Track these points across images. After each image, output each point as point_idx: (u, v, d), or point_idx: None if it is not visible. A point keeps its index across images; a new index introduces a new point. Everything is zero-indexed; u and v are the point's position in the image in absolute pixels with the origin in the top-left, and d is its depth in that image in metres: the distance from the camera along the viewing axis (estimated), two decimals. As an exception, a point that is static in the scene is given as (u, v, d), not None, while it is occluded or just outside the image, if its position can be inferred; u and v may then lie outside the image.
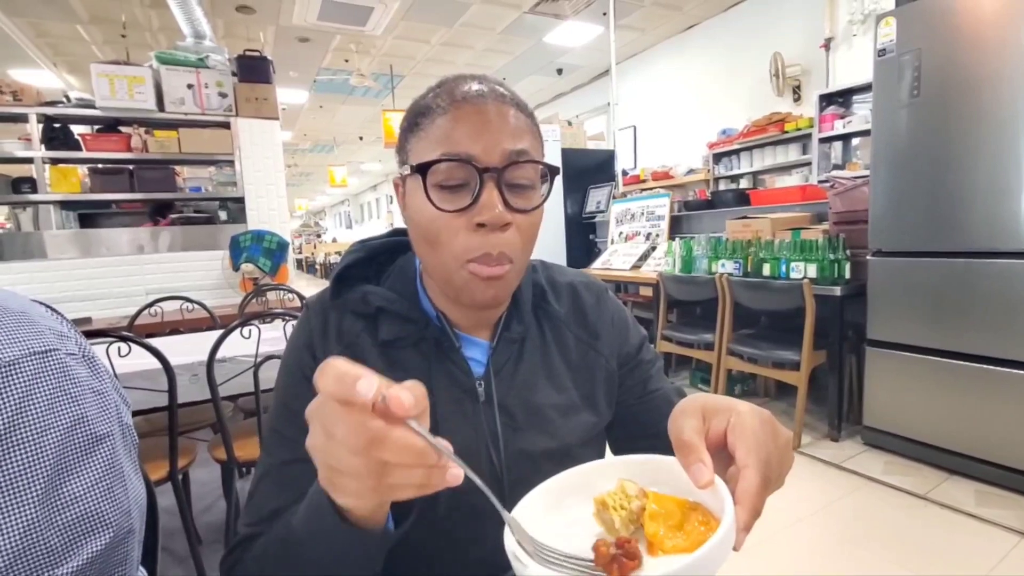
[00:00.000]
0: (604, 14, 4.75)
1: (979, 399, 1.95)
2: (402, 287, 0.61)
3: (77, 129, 3.30)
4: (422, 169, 0.51)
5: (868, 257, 2.25)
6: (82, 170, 3.36)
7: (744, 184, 5.31)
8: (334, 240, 18.88)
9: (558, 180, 0.57)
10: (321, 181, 15.85)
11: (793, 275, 2.40)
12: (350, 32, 5.56)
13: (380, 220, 17.90)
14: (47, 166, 3.13)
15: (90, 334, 1.17)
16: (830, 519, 1.83)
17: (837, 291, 2.26)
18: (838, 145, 4.48)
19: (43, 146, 3.08)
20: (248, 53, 3.50)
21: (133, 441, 0.51)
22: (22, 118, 3.06)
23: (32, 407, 0.39)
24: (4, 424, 0.38)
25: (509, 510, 0.39)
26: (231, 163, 3.46)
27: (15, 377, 0.39)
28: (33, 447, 0.39)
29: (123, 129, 3.31)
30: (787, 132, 4.79)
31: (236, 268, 3.38)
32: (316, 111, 8.94)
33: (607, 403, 0.65)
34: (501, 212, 0.50)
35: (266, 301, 2.83)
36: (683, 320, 3.32)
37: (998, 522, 1.73)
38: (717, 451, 0.39)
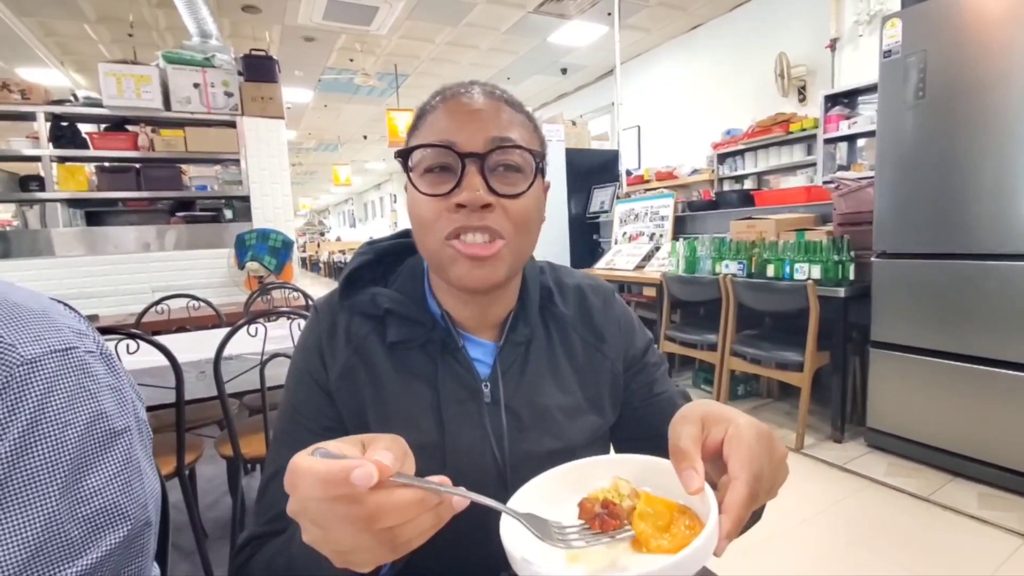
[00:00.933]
0: (609, 14, 4.75)
1: (983, 401, 1.94)
2: (410, 289, 0.61)
3: (84, 128, 3.32)
4: (405, 154, 0.53)
5: (872, 259, 2.24)
6: (89, 168, 3.39)
7: (748, 185, 5.30)
8: (338, 239, 18.91)
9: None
10: (325, 180, 15.89)
11: (797, 276, 2.39)
12: (355, 32, 5.58)
13: (384, 219, 17.93)
14: (54, 164, 3.16)
15: (99, 331, 1.18)
16: (833, 520, 1.83)
17: (841, 292, 2.26)
18: (843, 146, 4.46)
19: (51, 144, 3.10)
20: (254, 53, 3.51)
21: (148, 436, 0.52)
22: (30, 116, 3.08)
23: (53, 403, 0.40)
24: (27, 420, 0.39)
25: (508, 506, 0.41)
26: (236, 162, 3.48)
27: (37, 374, 0.40)
28: (54, 442, 0.39)
29: (130, 128, 3.33)
30: (792, 133, 4.78)
31: (241, 266, 3.39)
32: (321, 110, 8.97)
33: (612, 405, 0.65)
34: (481, 194, 0.51)
35: (271, 299, 2.84)
36: (686, 321, 3.32)
37: (1001, 524, 1.73)
38: (714, 459, 0.39)
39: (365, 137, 11.06)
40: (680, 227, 3.75)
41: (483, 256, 0.52)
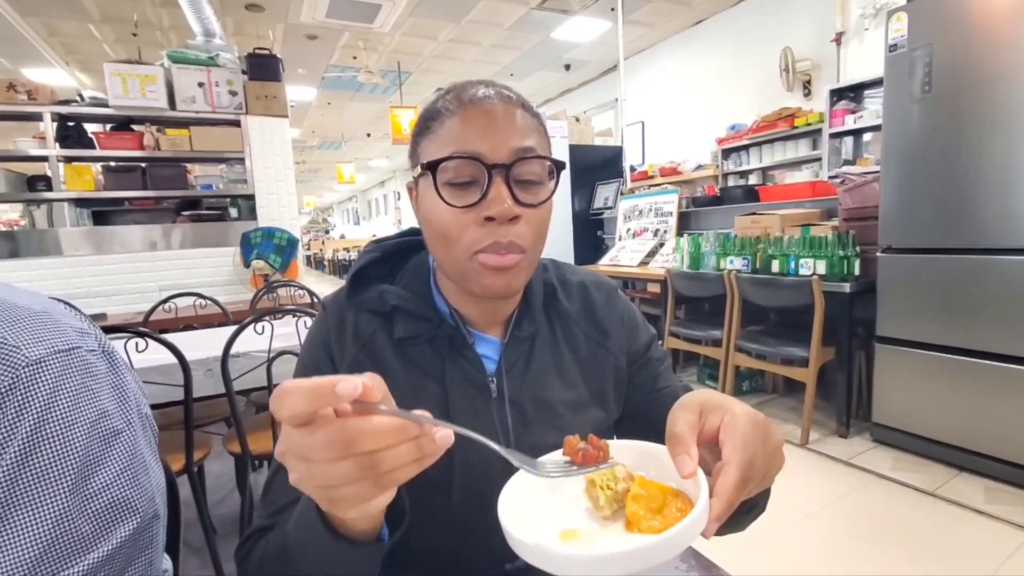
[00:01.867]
0: (612, 9, 4.73)
1: (989, 396, 1.94)
2: (416, 286, 0.62)
3: (90, 128, 3.34)
4: (433, 167, 0.53)
5: (878, 254, 2.23)
6: (96, 168, 3.41)
7: (753, 180, 5.28)
8: (342, 237, 18.95)
9: (566, 176, 0.59)
10: (329, 178, 15.92)
11: (802, 272, 2.39)
12: (358, 29, 5.58)
13: (388, 216, 17.96)
14: (61, 164, 3.18)
15: (107, 330, 1.20)
16: (838, 515, 1.84)
17: (846, 288, 2.25)
18: (849, 140, 4.44)
19: (57, 144, 3.13)
20: (258, 51, 3.52)
21: (153, 430, 0.53)
22: (37, 117, 3.10)
23: (59, 403, 0.41)
24: (34, 420, 0.39)
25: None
26: (241, 160, 3.49)
27: (42, 375, 0.41)
28: (61, 441, 0.40)
29: (136, 127, 3.35)
30: (797, 127, 4.76)
31: (247, 264, 3.41)
32: (324, 108, 8.98)
33: (616, 400, 0.66)
34: (510, 206, 0.51)
35: (277, 297, 2.86)
36: (691, 317, 3.32)
37: (1007, 519, 1.72)
38: (710, 446, 0.41)
39: (368, 135, 11.08)
40: (684, 223, 3.74)
41: (507, 267, 0.53)
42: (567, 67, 7.42)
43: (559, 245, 4.39)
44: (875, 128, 4.06)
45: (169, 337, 1.43)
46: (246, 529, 0.56)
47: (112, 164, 3.39)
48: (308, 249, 16.59)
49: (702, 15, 5.94)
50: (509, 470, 0.45)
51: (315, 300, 2.53)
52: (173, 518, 0.63)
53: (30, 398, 0.39)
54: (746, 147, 5.34)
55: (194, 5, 3.69)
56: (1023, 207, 1.83)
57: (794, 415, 2.66)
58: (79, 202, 3.46)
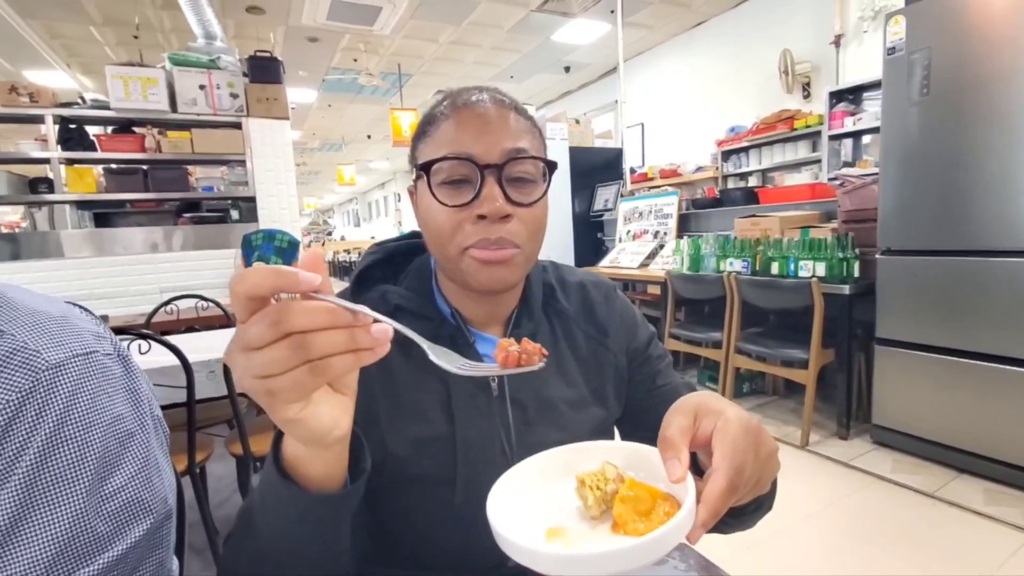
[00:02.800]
0: (612, 12, 4.74)
1: (989, 397, 1.94)
2: (419, 286, 0.63)
3: (92, 130, 3.35)
4: (427, 167, 0.55)
5: (877, 256, 2.24)
6: (97, 170, 3.42)
7: (753, 182, 5.29)
8: (343, 238, 18.96)
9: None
10: (329, 179, 15.92)
11: (802, 274, 2.40)
12: (359, 32, 5.59)
13: (388, 218, 17.96)
14: (63, 166, 3.19)
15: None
16: (838, 517, 1.84)
17: (846, 289, 2.26)
18: (848, 142, 4.45)
19: (59, 147, 3.13)
20: (259, 54, 3.53)
21: (165, 432, 0.54)
22: (39, 119, 3.11)
23: (78, 406, 0.42)
24: (53, 423, 0.40)
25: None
26: (242, 162, 3.50)
27: (61, 379, 0.41)
28: (80, 443, 0.41)
29: (137, 130, 3.36)
30: (796, 129, 4.77)
31: (248, 266, 3.41)
32: (325, 110, 8.99)
33: (616, 398, 0.67)
34: (501, 204, 0.53)
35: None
36: (691, 319, 3.32)
37: (1007, 520, 1.73)
38: (705, 449, 0.41)
39: (369, 137, 11.09)
40: (684, 225, 3.75)
41: (498, 260, 0.55)
42: (567, 69, 7.44)
43: (559, 247, 4.40)
44: (874, 130, 4.07)
45: (171, 339, 1.44)
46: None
47: (113, 166, 3.40)
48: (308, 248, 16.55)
49: (702, 17, 5.95)
50: (511, 467, 0.46)
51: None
52: (179, 520, 0.63)
53: (50, 401, 0.40)
54: (746, 149, 5.35)
55: (195, 7, 3.71)
56: (1021, 208, 1.83)
57: (794, 417, 2.67)
58: (80, 204, 3.47)
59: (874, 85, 4.11)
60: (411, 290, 0.62)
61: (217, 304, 2.53)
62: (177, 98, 3.26)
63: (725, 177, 5.56)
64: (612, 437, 0.70)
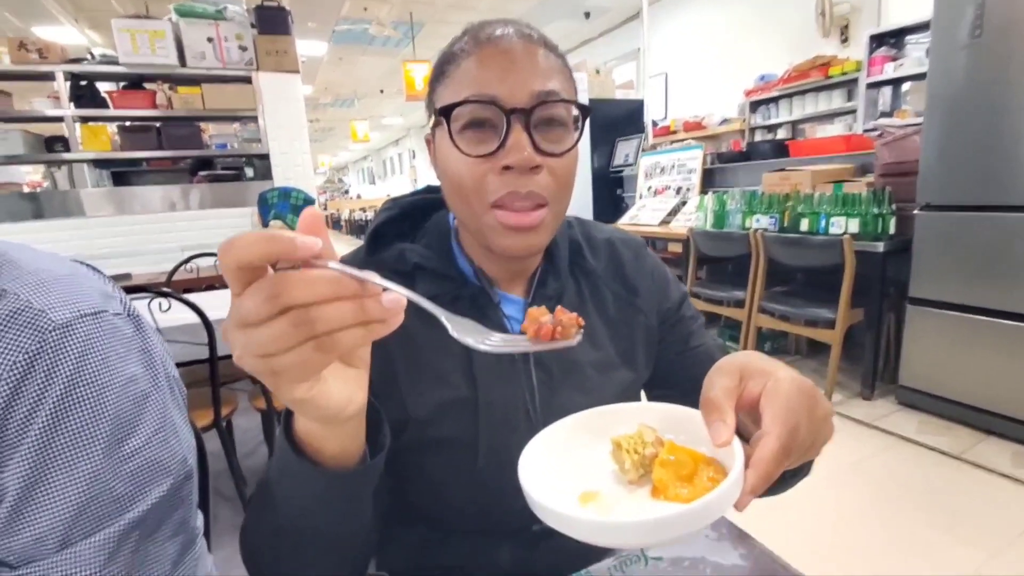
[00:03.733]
0: (636, -50, 4.44)
1: (1022, 358, 1.87)
2: (437, 244, 0.60)
3: (103, 87, 3.31)
4: (447, 112, 0.49)
5: (915, 211, 2.13)
6: (111, 128, 3.40)
7: (782, 134, 5.07)
8: (358, 196, 18.92)
9: (584, 132, 0.54)
10: (343, 136, 15.75)
11: (833, 230, 2.30)
12: (369, -23, 5.36)
13: (403, 175, 17.82)
14: (77, 124, 3.17)
15: (131, 290, 1.21)
16: (860, 478, 1.83)
17: (880, 247, 2.16)
18: (887, 91, 4.20)
19: (72, 104, 3.11)
20: (266, 4, 3.41)
21: (181, 391, 0.53)
22: (49, 76, 3.07)
23: (88, 367, 0.40)
24: (64, 385, 0.39)
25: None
26: (255, 119, 3.44)
27: (70, 339, 0.40)
28: (93, 405, 0.40)
29: (147, 86, 3.31)
30: (831, 77, 4.51)
31: (265, 224, 3.42)
32: (336, 63, 8.78)
33: (646, 360, 0.65)
34: (530, 154, 0.48)
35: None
36: (713, 277, 3.25)
37: (1036, 483, 1.70)
38: (750, 413, 0.38)
39: (382, 91, 10.84)
40: (709, 180, 3.62)
41: (527, 226, 0.50)
42: (587, 15, 7.07)
43: (577, 204, 4.29)
44: (917, 76, 3.81)
45: (192, 297, 1.44)
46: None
47: (127, 124, 3.37)
48: (325, 209, 16.63)
49: (733, -45, 5.56)
50: (533, 434, 0.43)
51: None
52: (201, 477, 0.64)
53: (59, 362, 0.39)
54: (775, 99, 5.10)
55: (200, -46, 3.56)
56: (1080, 160, 1.71)
57: (817, 377, 2.63)
58: (98, 163, 3.48)
59: (918, 27, 3.82)
60: (430, 248, 0.59)
61: (236, 263, 2.54)
62: (185, 51, 3.18)
63: (752, 129, 5.33)
64: (639, 400, 0.67)
